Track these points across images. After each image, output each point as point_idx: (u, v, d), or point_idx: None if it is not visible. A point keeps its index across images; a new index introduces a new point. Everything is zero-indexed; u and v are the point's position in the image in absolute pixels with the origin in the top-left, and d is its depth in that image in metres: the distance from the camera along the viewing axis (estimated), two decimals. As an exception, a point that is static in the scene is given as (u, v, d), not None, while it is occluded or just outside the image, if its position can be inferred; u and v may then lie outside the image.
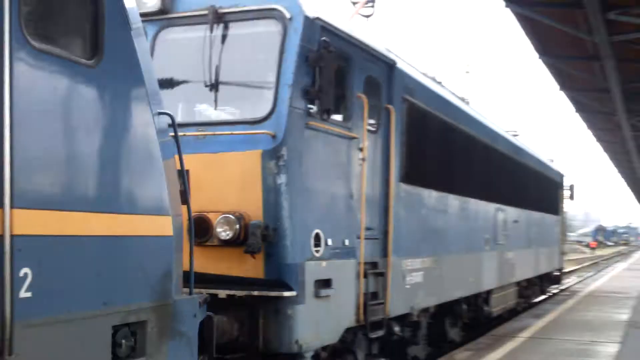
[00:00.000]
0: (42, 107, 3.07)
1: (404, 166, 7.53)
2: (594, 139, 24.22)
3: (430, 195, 8.53)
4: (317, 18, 5.83)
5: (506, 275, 12.70)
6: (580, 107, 18.26)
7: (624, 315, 13.60)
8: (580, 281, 25.90)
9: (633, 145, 22.02)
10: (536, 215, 15.95)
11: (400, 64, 7.57)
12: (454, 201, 9.49)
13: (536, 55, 12.50)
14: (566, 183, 21.04)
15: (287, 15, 5.64)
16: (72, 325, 3.16)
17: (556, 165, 20.20)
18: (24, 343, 2.85)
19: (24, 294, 2.85)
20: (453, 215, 9.49)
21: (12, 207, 2.80)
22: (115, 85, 3.57)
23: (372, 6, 9.69)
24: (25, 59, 2.95)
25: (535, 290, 17.02)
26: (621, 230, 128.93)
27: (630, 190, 54.36)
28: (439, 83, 9.86)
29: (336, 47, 5.97)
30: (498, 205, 12.03)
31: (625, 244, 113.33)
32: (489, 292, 11.64)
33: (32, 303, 2.89)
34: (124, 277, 3.52)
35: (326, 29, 5.95)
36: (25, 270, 2.86)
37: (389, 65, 7.27)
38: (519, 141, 15.07)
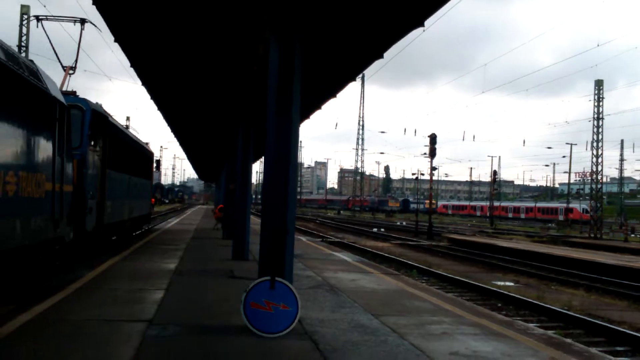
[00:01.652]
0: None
1: (108, 161, 17.41)
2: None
3: (114, 175, 18.51)
4: (95, 109, 15.45)
5: (131, 213, 23.24)
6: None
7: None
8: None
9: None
10: (141, 180, 26.70)
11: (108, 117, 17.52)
12: (118, 175, 19.59)
13: None
14: (155, 158, 32.58)
15: (85, 108, 15.10)
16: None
17: (150, 147, 31.61)
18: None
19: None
20: (118, 182, 19.62)
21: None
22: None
23: (74, 70, 19.06)
24: None
25: (139, 224, 27.92)
26: (177, 189, 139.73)
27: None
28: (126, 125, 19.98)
29: (101, 119, 15.75)
30: (128, 176, 22.38)
31: (180, 202, 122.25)
32: (127, 221, 22.09)
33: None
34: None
35: (98, 112, 15.61)
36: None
37: (105, 117, 17.10)
38: (131, 133, 25.41)
